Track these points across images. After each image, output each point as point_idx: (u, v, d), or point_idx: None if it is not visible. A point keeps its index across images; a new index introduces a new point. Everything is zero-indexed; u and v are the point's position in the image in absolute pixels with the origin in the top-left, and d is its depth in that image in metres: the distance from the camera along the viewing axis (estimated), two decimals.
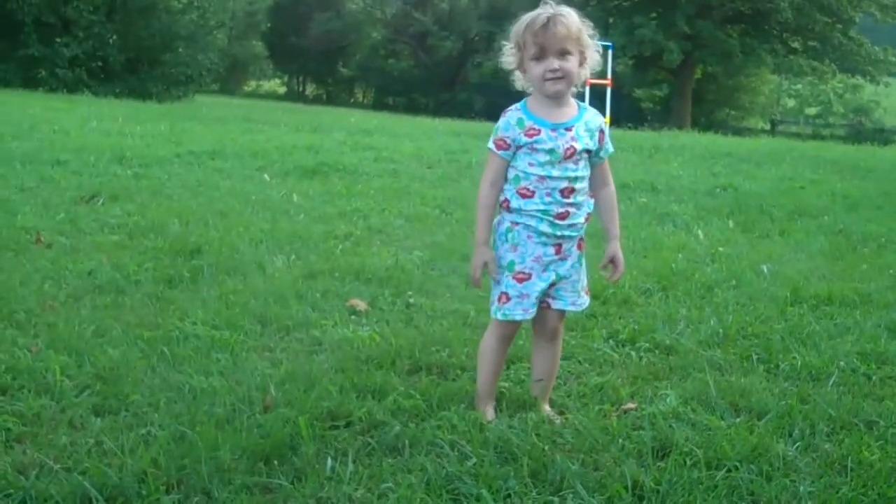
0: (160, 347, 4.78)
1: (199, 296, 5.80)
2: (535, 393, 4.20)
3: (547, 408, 4.16)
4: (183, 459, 3.49)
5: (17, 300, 5.49)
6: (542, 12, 3.85)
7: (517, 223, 3.97)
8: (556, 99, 3.92)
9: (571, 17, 3.84)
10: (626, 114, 32.11)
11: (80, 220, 8.09)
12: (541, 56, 3.84)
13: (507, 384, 4.45)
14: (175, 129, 18.02)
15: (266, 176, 11.83)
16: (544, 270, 4.00)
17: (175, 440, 3.69)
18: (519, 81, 4.01)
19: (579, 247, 4.10)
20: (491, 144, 4.00)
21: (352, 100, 72.21)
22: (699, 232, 8.92)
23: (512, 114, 3.95)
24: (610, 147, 4.07)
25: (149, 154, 13.31)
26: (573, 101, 4.00)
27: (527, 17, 3.87)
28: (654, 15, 49.13)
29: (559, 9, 3.86)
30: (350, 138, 18.00)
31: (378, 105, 57.45)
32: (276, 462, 3.53)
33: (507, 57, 3.97)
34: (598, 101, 18.47)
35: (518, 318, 4.00)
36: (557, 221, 3.93)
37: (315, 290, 6.03)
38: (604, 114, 18.19)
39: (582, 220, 4.02)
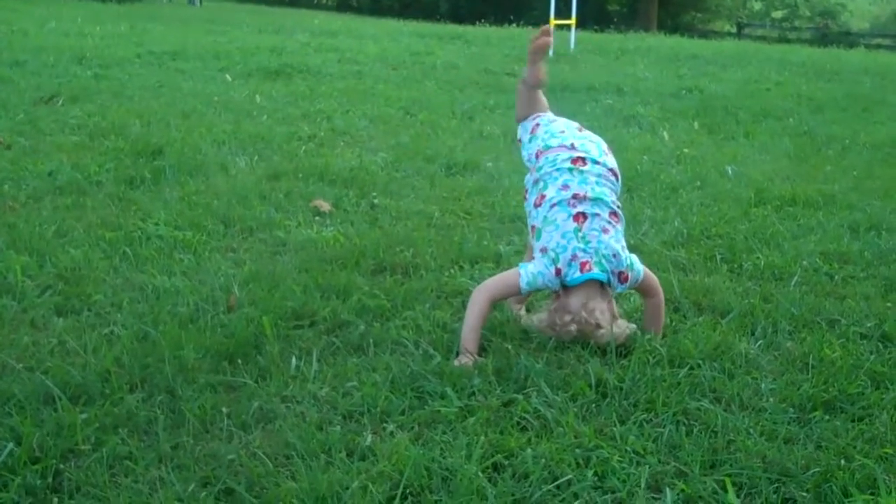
0: (122, 248, 4.74)
1: (161, 196, 5.75)
2: None
3: None
4: (146, 359, 3.47)
5: None
6: None
7: None
8: None
9: None
10: (592, 15, 31.83)
11: (40, 121, 7.98)
12: None
13: (472, 283, 4.44)
14: (136, 29, 17.78)
15: (228, 76, 11.70)
16: None
17: (138, 340, 3.67)
18: None
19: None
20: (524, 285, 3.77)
21: (315, 1, 71.24)
22: (664, 133, 8.91)
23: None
24: (637, 276, 3.79)
25: (109, 55, 13.12)
26: None
27: None
28: None
29: None
30: (314, 40, 17.82)
31: (342, 7, 56.62)
32: (240, 361, 3.51)
33: None
34: (563, 3, 18.28)
35: None
36: None
37: (278, 190, 5.99)
38: (569, 16, 18.03)
39: None
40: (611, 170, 3.95)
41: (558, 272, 3.66)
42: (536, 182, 3.92)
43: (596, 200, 3.76)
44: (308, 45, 16.55)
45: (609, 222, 3.75)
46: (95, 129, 7.75)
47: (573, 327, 3.63)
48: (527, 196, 4.00)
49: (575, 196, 3.76)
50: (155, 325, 3.79)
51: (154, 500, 2.64)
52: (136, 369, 3.40)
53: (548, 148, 3.99)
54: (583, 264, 3.64)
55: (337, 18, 31.49)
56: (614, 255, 3.67)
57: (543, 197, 3.82)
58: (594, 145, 4.00)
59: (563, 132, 4.05)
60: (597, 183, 3.83)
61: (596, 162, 3.90)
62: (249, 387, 3.33)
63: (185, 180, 6.16)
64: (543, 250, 3.72)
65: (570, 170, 3.85)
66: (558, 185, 3.81)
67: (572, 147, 3.94)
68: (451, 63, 14.83)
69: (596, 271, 3.63)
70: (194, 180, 6.17)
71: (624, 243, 3.78)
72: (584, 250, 3.65)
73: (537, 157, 3.98)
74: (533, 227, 3.87)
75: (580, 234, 3.68)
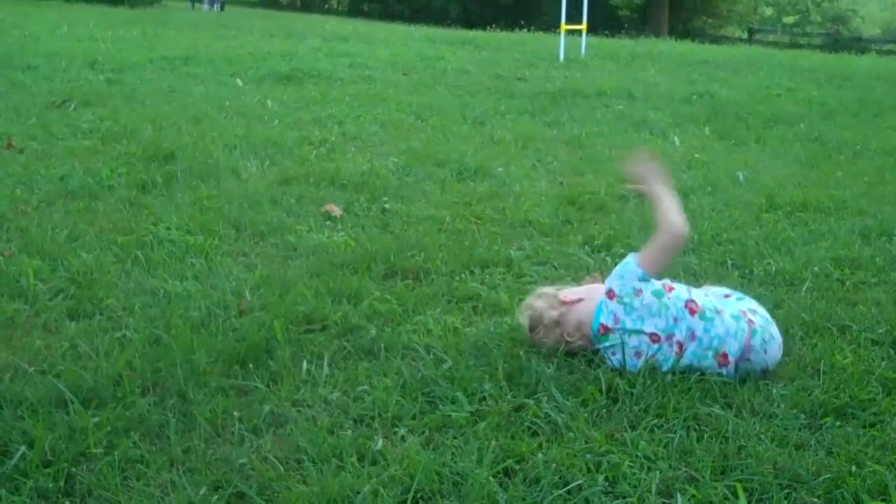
0: (134, 252, 4.75)
1: (172, 201, 5.76)
2: None
3: None
4: (158, 362, 3.48)
5: None
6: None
7: None
8: None
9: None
10: (602, 21, 31.79)
11: (52, 126, 8.00)
12: None
13: (483, 288, 4.45)
14: (147, 34, 17.81)
15: (239, 81, 11.72)
16: None
17: (150, 344, 3.68)
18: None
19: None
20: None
21: (326, 6, 71.24)
22: (676, 139, 8.91)
23: None
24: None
25: (121, 59, 13.15)
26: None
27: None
28: None
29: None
30: (325, 45, 17.83)
31: (353, 12, 56.64)
32: (251, 365, 3.52)
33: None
34: (574, 8, 18.27)
35: None
36: None
37: (290, 195, 6.00)
38: (580, 21, 18.03)
39: None
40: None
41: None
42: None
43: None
44: (319, 50, 16.57)
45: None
46: (107, 133, 7.77)
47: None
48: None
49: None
50: (167, 329, 3.80)
51: None
52: (147, 373, 3.41)
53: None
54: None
55: (348, 23, 31.48)
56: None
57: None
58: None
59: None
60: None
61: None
62: (261, 391, 3.34)
63: (197, 185, 6.17)
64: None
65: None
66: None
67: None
68: (461, 68, 14.84)
69: None
70: (206, 185, 6.18)
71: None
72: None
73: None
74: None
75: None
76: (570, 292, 3.79)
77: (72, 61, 12.48)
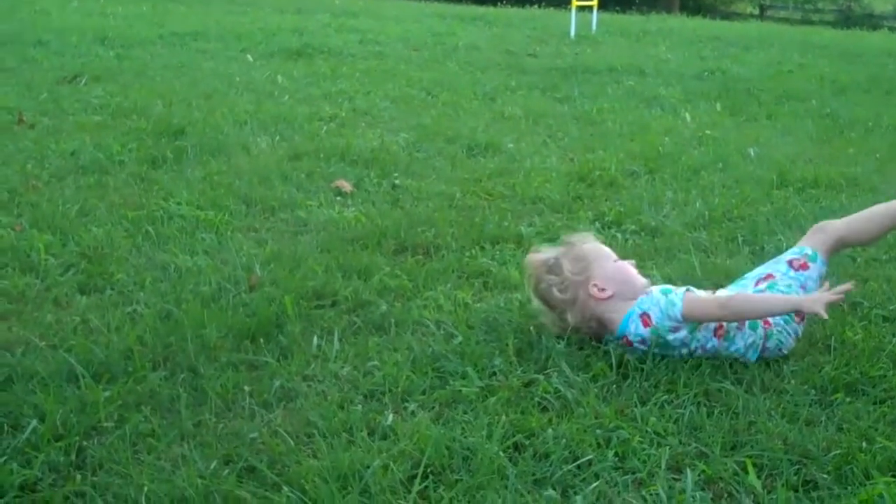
0: (145, 227, 4.76)
1: (183, 176, 5.77)
2: None
3: None
4: (169, 337, 3.49)
5: (0, 180, 5.45)
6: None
7: None
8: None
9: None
10: None
11: (63, 101, 8.01)
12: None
13: (493, 264, 4.45)
14: (157, 9, 17.78)
15: (249, 57, 11.70)
16: None
17: (161, 318, 3.68)
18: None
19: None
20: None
21: None
22: (686, 115, 8.87)
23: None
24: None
25: (131, 35, 13.14)
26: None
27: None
28: None
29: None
30: (335, 20, 17.78)
31: None
32: (261, 340, 3.53)
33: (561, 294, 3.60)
34: None
35: None
36: None
37: (300, 170, 6.00)
38: None
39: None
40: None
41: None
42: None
43: None
44: (329, 26, 16.52)
45: None
46: (118, 109, 7.77)
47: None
48: None
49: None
50: (177, 303, 3.81)
51: (176, 478, 2.65)
52: (158, 348, 3.42)
53: None
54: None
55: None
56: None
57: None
58: None
59: None
60: None
61: None
62: (271, 366, 3.35)
63: (207, 160, 6.17)
64: None
65: None
66: None
67: None
68: (472, 44, 14.79)
69: None
70: (216, 160, 6.18)
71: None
72: None
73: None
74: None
75: None
76: (601, 280, 3.58)
77: (82, 37, 12.48)
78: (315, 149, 6.59)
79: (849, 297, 4.04)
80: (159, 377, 3.23)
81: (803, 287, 3.64)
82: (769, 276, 3.72)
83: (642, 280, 3.65)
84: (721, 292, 3.66)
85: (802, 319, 3.60)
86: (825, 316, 3.32)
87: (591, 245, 3.71)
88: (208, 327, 3.56)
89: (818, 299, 3.34)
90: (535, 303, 3.70)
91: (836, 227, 3.76)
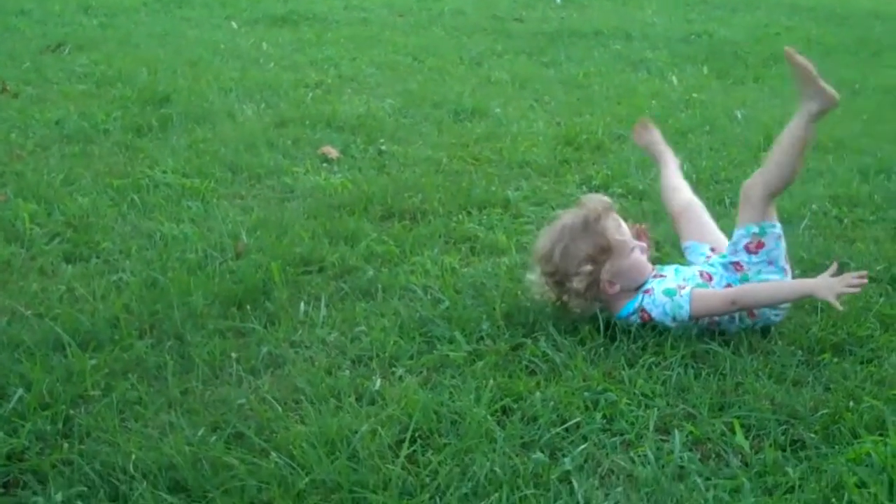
0: (130, 195, 4.74)
1: (168, 144, 5.74)
2: None
3: None
4: (155, 305, 3.48)
5: None
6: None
7: None
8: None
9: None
10: None
11: (47, 70, 7.93)
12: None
13: (480, 229, 4.44)
14: None
15: (234, 24, 11.62)
16: None
17: (147, 286, 3.67)
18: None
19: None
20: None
21: None
22: (673, 78, 8.84)
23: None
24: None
25: (115, 3, 13.02)
26: None
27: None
28: None
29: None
30: None
31: None
32: (248, 307, 3.52)
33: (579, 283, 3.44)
34: None
35: None
36: None
37: (286, 137, 5.97)
38: None
39: None
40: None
41: None
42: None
43: None
44: None
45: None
46: (102, 77, 7.71)
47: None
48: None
49: None
50: (163, 271, 3.80)
51: (164, 445, 2.65)
52: (144, 315, 3.41)
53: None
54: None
55: None
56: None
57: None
58: None
59: None
60: None
61: None
62: (258, 332, 3.34)
63: (193, 128, 6.13)
64: None
65: None
66: None
67: None
68: (458, 9, 14.70)
69: None
70: (201, 128, 6.15)
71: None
72: None
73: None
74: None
75: None
76: (609, 278, 3.45)
77: (65, 5, 12.35)
78: (301, 115, 6.55)
79: (836, 257, 3.98)
80: (146, 345, 3.23)
81: (771, 263, 3.56)
82: (737, 265, 3.55)
83: (649, 268, 3.58)
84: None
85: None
86: (840, 308, 3.23)
87: (613, 232, 3.50)
88: (195, 295, 3.55)
89: (831, 287, 3.24)
90: (537, 277, 3.56)
91: (755, 190, 3.60)
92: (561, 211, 3.71)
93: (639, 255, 3.55)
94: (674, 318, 3.38)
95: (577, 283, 3.40)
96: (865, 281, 3.32)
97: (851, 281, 3.25)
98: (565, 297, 3.47)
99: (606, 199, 3.62)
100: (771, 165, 3.61)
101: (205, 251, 4.03)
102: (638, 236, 3.66)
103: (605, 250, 3.44)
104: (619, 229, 3.52)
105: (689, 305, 3.37)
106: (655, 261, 3.76)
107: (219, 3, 13.57)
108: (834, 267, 3.33)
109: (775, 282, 3.49)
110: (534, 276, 3.56)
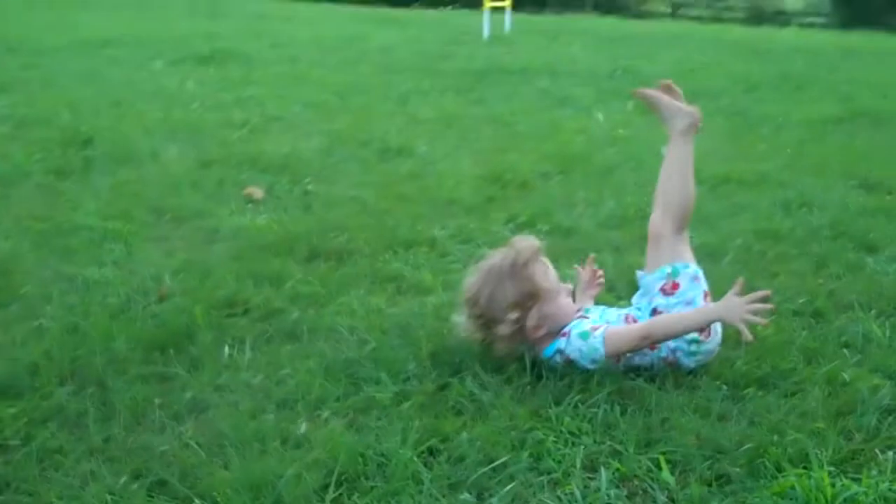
0: (52, 239, 4.68)
1: (90, 186, 5.68)
2: None
3: None
4: (76, 351, 3.43)
5: None
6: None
7: None
8: None
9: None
10: None
11: None
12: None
13: (407, 268, 4.43)
14: (66, 18, 17.52)
15: (158, 63, 11.57)
16: None
17: (68, 332, 3.61)
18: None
19: None
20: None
21: None
22: (599, 115, 8.93)
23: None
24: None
25: (40, 44, 12.94)
26: None
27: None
28: None
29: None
30: (247, 24, 17.66)
31: None
32: (172, 351, 3.47)
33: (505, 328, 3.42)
34: None
35: None
36: None
37: (210, 178, 5.94)
38: None
39: None
40: None
41: None
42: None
43: None
44: (241, 30, 16.41)
45: None
46: (23, 119, 7.64)
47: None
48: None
49: None
50: (85, 316, 3.74)
51: (85, 494, 2.60)
52: (65, 362, 3.35)
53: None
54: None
55: (271, 2, 31.20)
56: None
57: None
58: None
59: None
60: None
61: None
62: (182, 377, 3.30)
63: (116, 170, 6.09)
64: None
65: None
66: None
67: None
68: (386, 47, 14.78)
69: None
70: (125, 169, 6.10)
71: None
72: None
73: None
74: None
75: None
76: (535, 324, 3.43)
77: None
78: (226, 156, 6.53)
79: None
80: (66, 392, 3.17)
81: (689, 304, 3.56)
82: (656, 312, 3.55)
83: (573, 310, 3.58)
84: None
85: (708, 335, 3.51)
86: (749, 336, 3.21)
87: (541, 278, 3.49)
88: (117, 339, 3.50)
89: (737, 311, 3.25)
90: (465, 318, 3.52)
91: (665, 228, 3.58)
92: (490, 250, 3.70)
93: (564, 299, 3.55)
94: (592, 360, 3.37)
95: (504, 329, 3.40)
96: (770, 306, 3.33)
97: (755, 308, 3.26)
98: (491, 340, 3.46)
99: (536, 241, 3.59)
100: (668, 197, 3.66)
101: (127, 295, 3.98)
102: (587, 274, 3.81)
103: (531, 296, 3.43)
104: (547, 274, 3.51)
105: (602, 347, 3.36)
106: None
107: (144, 42, 13.54)
108: (738, 286, 3.34)
109: (683, 312, 3.50)
110: (461, 318, 3.54)
